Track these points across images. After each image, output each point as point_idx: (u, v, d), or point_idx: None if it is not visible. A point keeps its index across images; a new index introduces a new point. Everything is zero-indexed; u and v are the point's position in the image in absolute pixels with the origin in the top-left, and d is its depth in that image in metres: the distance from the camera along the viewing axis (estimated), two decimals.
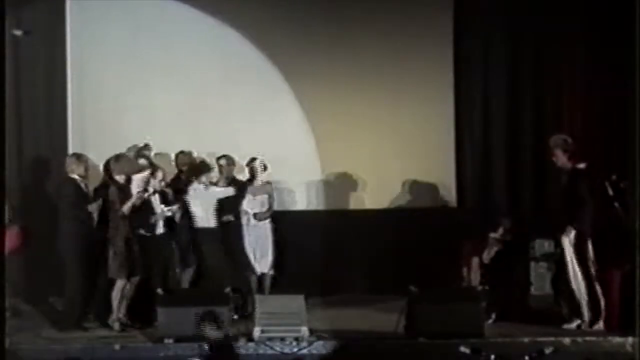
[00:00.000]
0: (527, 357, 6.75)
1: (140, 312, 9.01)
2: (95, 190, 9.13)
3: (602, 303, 8.74)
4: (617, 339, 8.35)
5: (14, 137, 10.08)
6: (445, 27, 11.04)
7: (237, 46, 10.81)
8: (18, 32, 10.14)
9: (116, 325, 8.91)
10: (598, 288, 8.76)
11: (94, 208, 8.97)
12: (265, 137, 10.52)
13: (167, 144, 10.29)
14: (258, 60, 10.81)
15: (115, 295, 8.92)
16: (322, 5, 10.95)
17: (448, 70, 11.07)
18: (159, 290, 8.68)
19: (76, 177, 9.04)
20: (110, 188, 8.97)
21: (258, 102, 10.80)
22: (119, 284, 8.91)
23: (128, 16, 10.74)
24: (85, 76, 10.66)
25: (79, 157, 9.18)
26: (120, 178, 9.04)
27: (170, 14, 10.77)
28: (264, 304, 8.54)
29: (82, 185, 9.06)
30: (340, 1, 10.99)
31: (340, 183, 10.95)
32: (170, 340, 8.28)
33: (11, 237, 8.83)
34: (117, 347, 8.25)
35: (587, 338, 8.47)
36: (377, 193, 11.05)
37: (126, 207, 8.90)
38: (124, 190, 9.00)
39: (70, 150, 10.36)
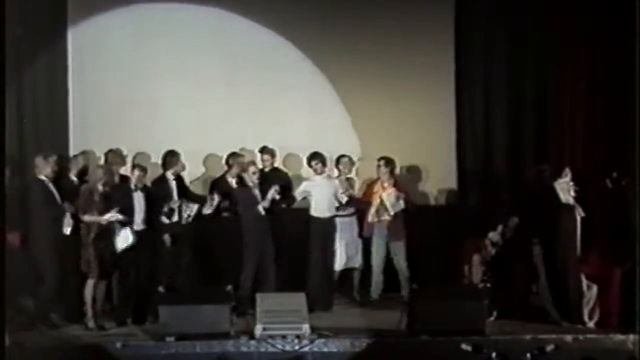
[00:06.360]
0: (528, 355, 6.73)
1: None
2: (67, 190, 9.14)
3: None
4: (619, 337, 8.40)
5: (14, 137, 10.05)
6: (446, 27, 11.06)
7: (240, 43, 10.84)
8: (18, 31, 10.11)
9: (90, 324, 8.84)
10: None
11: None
12: (267, 134, 10.54)
13: (168, 143, 10.24)
14: (261, 59, 10.84)
15: (87, 293, 8.87)
16: (322, 5, 10.97)
17: (449, 70, 11.09)
18: (161, 288, 8.68)
19: (43, 177, 9.03)
20: (81, 189, 8.98)
21: (261, 99, 10.80)
22: (90, 282, 8.85)
23: (130, 13, 10.73)
24: (86, 74, 10.63)
25: (45, 157, 9.13)
26: (92, 185, 8.97)
27: (173, 10, 10.77)
28: (265, 302, 8.53)
29: (50, 185, 9.03)
30: (341, 1, 11.01)
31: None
32: (172, 339, 8.28)
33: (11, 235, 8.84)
34: (118, 345, 8.23)
35: (589, 335, 8.52)
36: None
37: (87, 217, 8.83)
38: (91, 198, 8.87)
39: (72, 150, 10.36)
